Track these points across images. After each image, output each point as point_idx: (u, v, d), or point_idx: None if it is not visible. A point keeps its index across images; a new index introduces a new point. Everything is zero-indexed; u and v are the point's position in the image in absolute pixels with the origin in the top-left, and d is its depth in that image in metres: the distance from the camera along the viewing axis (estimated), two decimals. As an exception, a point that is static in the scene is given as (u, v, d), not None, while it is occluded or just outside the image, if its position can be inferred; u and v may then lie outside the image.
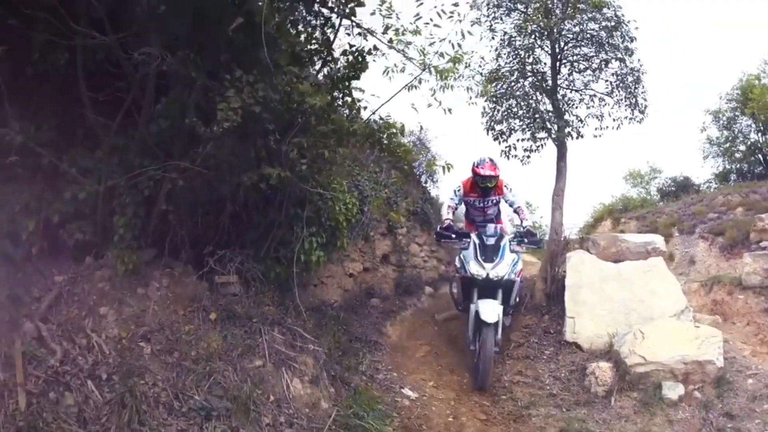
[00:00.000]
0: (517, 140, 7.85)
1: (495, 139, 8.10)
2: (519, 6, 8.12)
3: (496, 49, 7.94)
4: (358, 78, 4.13)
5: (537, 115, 7.79)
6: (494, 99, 7.93)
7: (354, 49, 4.08)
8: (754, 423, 4.95)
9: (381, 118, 4.20)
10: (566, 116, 7.77)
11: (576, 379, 5.74)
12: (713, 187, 14.72)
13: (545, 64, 7.88)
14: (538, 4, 7.72)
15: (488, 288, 5.83)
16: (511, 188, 6.65)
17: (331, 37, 4.00)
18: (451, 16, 3.85)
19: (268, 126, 3.68)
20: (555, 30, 7.65)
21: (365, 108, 4.40)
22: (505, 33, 8.00)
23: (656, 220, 12.60)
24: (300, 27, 3.99)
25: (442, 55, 4.26)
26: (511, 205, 6.66)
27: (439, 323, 6.86)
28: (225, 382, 3.91)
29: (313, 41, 3.94)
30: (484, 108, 7.68)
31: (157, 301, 4.21)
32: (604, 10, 7.95)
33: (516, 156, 8.01)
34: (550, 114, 7.81)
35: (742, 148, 15.17)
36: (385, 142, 4.14)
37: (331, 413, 4.18)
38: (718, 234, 10.79)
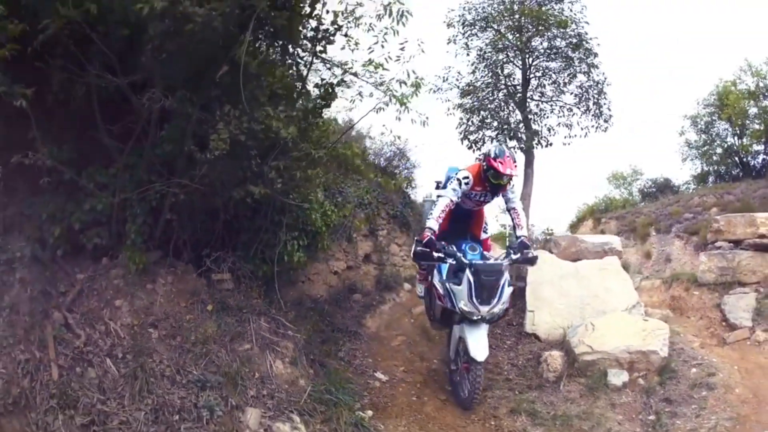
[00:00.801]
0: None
1: (469, 148, 8.99)
2: (493, 24, 8.95)
3: (473, 64, 8.80)
4: (329, 107, 5.04)
5: (506, 126, 8.62)
6: (468, 111, 8.76)
7: (325, 82, 4.99)
8: (691, 408, 5.59)
9: (345, 142, 5.10)
10: (535, 126, 8.62)
11: (531, 366, 6.50)
12: (692, 188, 15.57)
13: (514, 78, 8.73)
14: (510, 22, 8.53)
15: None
16: (513, 185, 6.05)
17: (305, 72, 4.90)
18: (398, 59, 4.76)
19: (252, 151, 4.59)
20: (526, 46, 8.46)
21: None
22: (481, 49, 8.84)
23: (635, 220, 13.37)
24: (279, 65, 4.87)
25: (404, 82, 5.16)
26: (506, 202, 6.01)
27: (415, 316, 7.73)
28: (218, 361, 4.82)
29: (289, 78, 4.84)
30: (461, 119, 8.54)
31: (163, 295, 5.10)
32: (569, 29, 8.77)
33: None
34: (520, 125, 8.64)
35: (719, 150, 15.95)
36: (350, 163, 5.05)
37: (307, 389, 5.09)
38: (693, 233, 11.57)
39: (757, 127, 14.70)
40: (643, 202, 16.39)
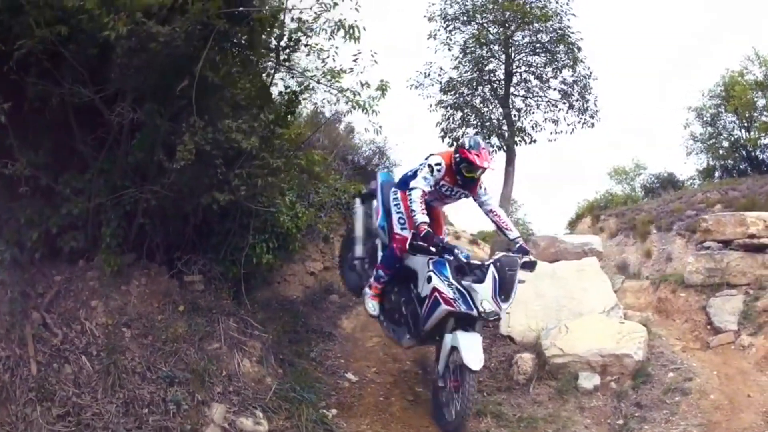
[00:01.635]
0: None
1: (450, 146, 9.60)
2: (477, 16, 9.51)
3: (457, 58, 9.40)
4: (293, 114, 5.72)
5: (488, 123, 9.22)
6: (450, 107, 9.37)
7: (289, 90, 5.68)
8: (662, 413, 5.93)
9: (306, 150, 5.81)
10: (520, 123, 9.22)
11: (503, 369, 6.95)
12: (697, 184, 16.00)
13: (496, 73, 9.31)
14: (492, 16, 9.11)
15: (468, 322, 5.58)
16: (485, 187, 6.21)
17: (269, 81, 5.59)
18: (351, 71, 5.46)
19: (217, 160, 5.29)
20: (510, 40, 9.03)
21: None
22: (465, 42, 9.42)
23: (635, 218, 13.81)
24: (240, 78, 5.55)
25: (368, 85, 5.83)
26: (481, 206, 6.14)
27: (392, 317, 8.43)
28: (187, 359, 5.53)
29: (250, 90, 5.53)
30: (443, 116, 9.16)
31: (136, 296, 5.80)
32: (549, 22, 9.32)
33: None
34: (502, 122, 9.23)
35: (726, 144, 16.39)
36: (310, 170, 5.76)
37: (272, 387, 5.81)
38: (695, 231, 11.98)
39: (765, 119, 15.05)
40: (646, 198, 16.81)
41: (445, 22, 9.83)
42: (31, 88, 5.12)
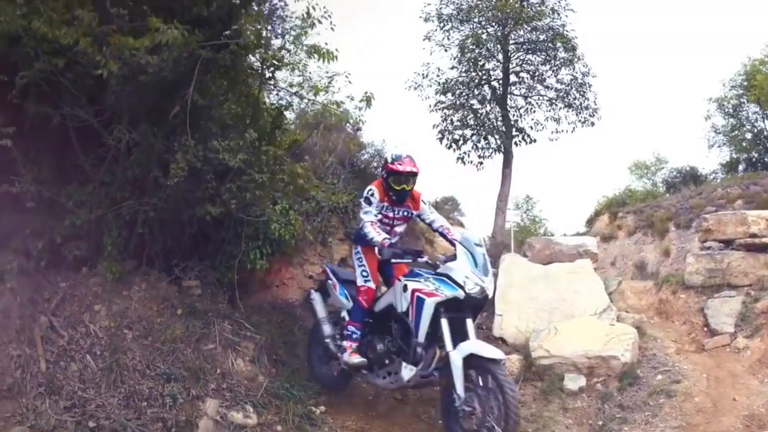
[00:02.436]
0: (471, 149, 9.96)
1: (449, 147, 10.27)
2: (473, 14, 10.10)
3: (455, 58, 10.03)
4: (279, 128, 6.58)
5: (488, 123, 9.83)
6: (447, 108, 9.99)
7: (274, 106, 6.53)
8: (643, 414, 6.36)
9: (291, 164, 6.67)
10: (519, 123, 9.83)
11: None
12: (720, 178, 16.14)
13: (496, 72, 9.89)
14: (491, 14, 9.70)
15: (461, 318, 5.83)
16: (429, 205, 6.74)
17: (255, 100, 6.43)
18: (326, 90, 6.31)
19: (208, 176, 6.15)
20: (506, 39, 9.63)
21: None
22: (461, 41, 10.02)
23: (653, 215, 13.96)
24: (226, 100, 6.39)
25: (351, 97, 6.71)
26: (430, 224, 6.69)
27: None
28: (184, 358, 6.39)
29: (235, 110, 6.37)
30: (441, 116, 9.79)
31: (137, 300, 6.65)
32: (546, 20, 9.87)
33: (471, 162, 10.12)
34: (499, 123, 9.84)
35: (749, 136, 16.59)
36: (294, 183, 6.61)
37: (264, 384, 6.66)
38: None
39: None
40: (667, 193, 16.95)
41: (440, 23, 10.49)
42: (32, 111, 5.96)
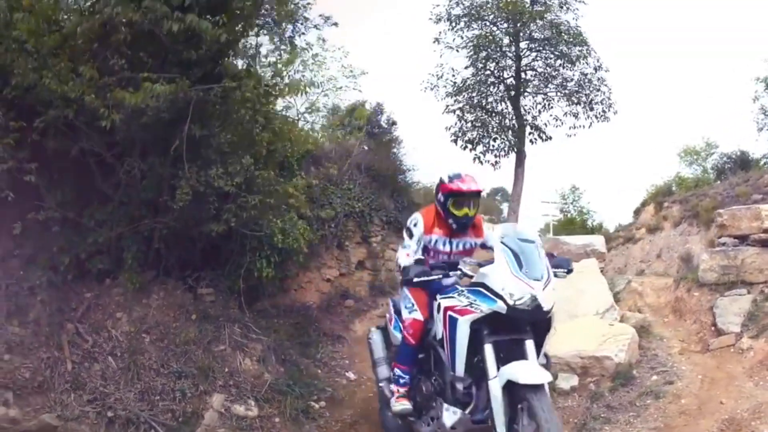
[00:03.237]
0: (486, 149, 10.48)
1: (464, 148, 10.85)
2: (484, 13, 10.60)
3: (469, 56, 10.53)
4: (274, 152, 7.53)
5: (501, 122, 10.32)
6: (459, 110, 10.52)
7: (268, 136, 7.47)
8: (627, 415, 6.64)
9: (284, 183, 7.65)
10: (536, 121, 10.27)
11: None
12: None
13: (509, 70, 10.28)
14: (499, 12, 10.17)
15: (516, 341, 4.80)
16: (492, 227, 5.96)
17: (250, 129, 7.38)
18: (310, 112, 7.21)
19: (210, 198, 7.12)
20: (518, 36, 10.10)
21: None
22: (473, 39, 10.50)
23: (698, 204, 13.72)
24: (221, 131, 7.30)
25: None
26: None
27: (405, 319, 9.95)
28: (195, 358, 7.25)
29: (234, 137, 7.32)
30: (457, 117, 10.28)
31: (155, 308, 7.58)
32: (553, 16, 10.24)
33: (488, 161, 10.66)
34: (513, 122, 10.31)
35: None
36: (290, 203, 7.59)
37: (269, 382, 7.64)
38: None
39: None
40: (717, 180, 16.45)
41: (451, 23, 11.00)
42: (51, 147, 6.87)
